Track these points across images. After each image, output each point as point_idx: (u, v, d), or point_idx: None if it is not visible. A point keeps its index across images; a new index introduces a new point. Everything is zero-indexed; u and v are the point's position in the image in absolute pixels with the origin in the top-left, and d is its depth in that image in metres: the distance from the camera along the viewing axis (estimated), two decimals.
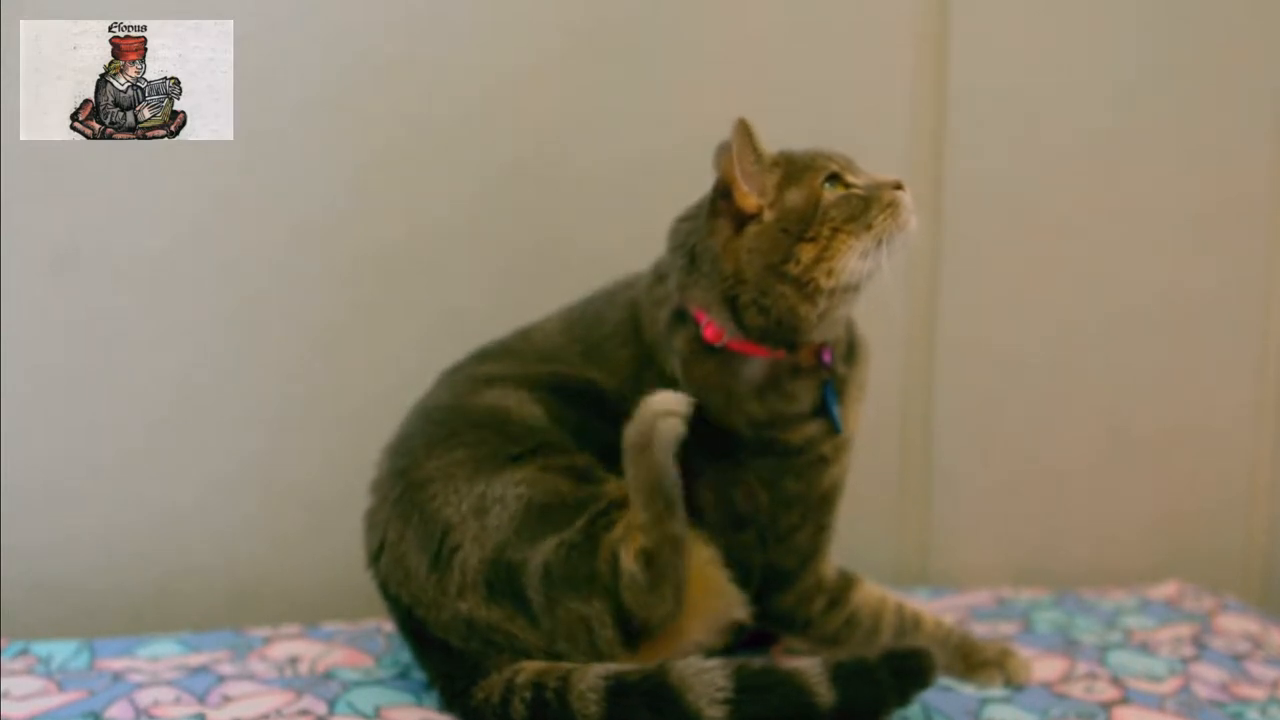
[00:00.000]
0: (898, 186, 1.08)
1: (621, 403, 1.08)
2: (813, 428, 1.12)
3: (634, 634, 1.05)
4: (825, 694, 0.98)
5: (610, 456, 1.07)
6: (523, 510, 1.05)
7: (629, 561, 1.03)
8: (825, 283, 1.05)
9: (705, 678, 0.98)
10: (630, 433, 1.04)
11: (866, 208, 1.06)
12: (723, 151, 1.11)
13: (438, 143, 1.41)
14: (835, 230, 1.05)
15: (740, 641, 1.16)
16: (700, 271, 1.08)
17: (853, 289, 1.07)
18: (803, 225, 1.05)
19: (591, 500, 1.06)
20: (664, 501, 1.03)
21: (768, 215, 1.06)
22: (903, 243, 1.07)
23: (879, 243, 1.05)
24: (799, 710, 0.98)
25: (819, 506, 1.14)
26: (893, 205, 1.06)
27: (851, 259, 1.04)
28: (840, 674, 0.99)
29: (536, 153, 1.44)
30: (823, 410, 1.12)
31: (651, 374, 1.11)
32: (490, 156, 1.43)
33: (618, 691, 0.99)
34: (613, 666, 1.01)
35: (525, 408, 1.12)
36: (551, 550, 1.03)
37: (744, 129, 1.05)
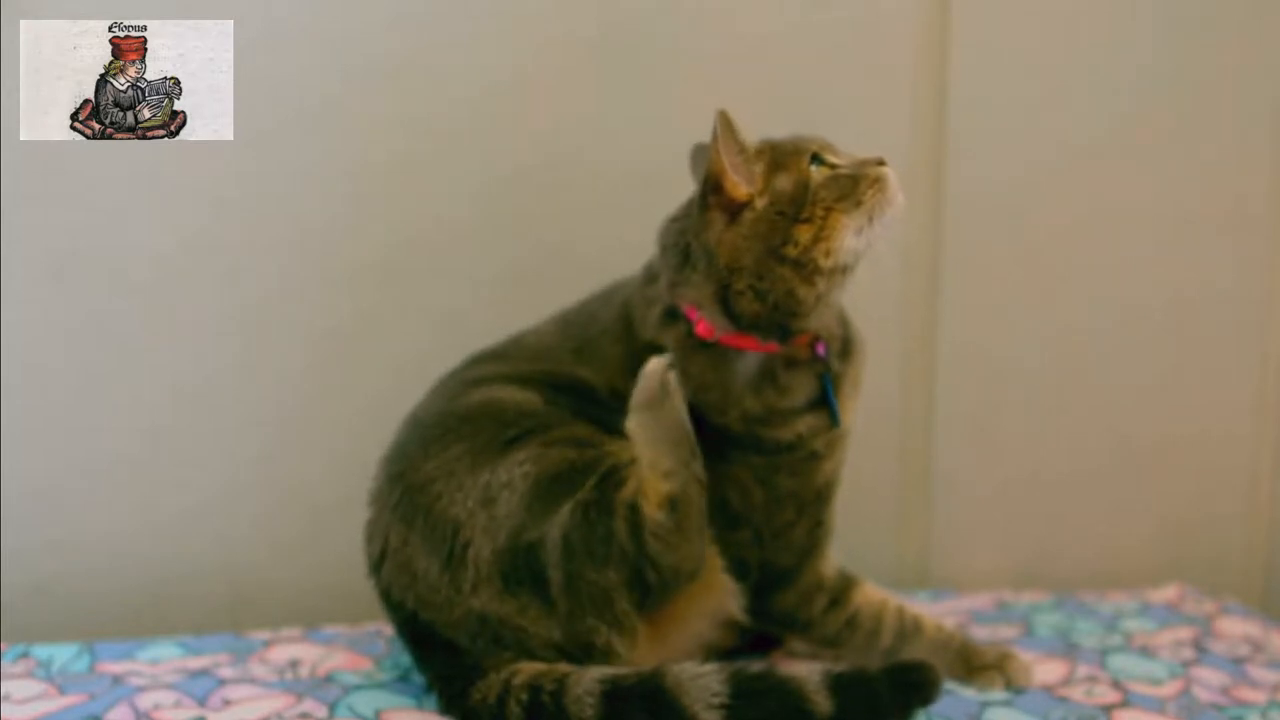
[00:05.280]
0: (880, 163, 1.09)
1: (613, 398, 1.09)
2: (806, 422, 1.12)
3: (649, 598, 1.05)
4: (822, 703, 0.97)
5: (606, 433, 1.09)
6: (531, 488, 1.05)
7: (654, 511, 1.04)
8: (824, 262, 1.06)
9: (701, 682, 0.98)
10: (640, 392, 1.07)
11: (855, 185, 1.07)
12: (698, 154, 1.13)
13: (439, 148, 1.41)
14: (828, 210, 1.06)
15: (743, 645, 1.16)
16: (694, 268, 1.09)
17: (849, 269, 1.08)
18: (796, 208, 1.06)
19: (599, 460, 1.06)
20: (687, 445, 1.06)
21: (759, 202, 1.07)
22: (893, 218, 1.08)
23: (870, 219, 1.06)
24: (795, 718, 0.97)
25: (814, 502, 1.14)
26: (879, 181, 1.07)
27: (847, 237, 1.06)
28: (839, 684, 0.98)
29: (539, 157, 1.44)
30: (816, 404, 1.12)
31: None
32: (492, 161, 1.43)
33: (614, 695, 0.98)
34: (609, 670, 1.01)
35: (517, 395, 1.12)
36: (568, 516, 1.03)
37: (725, 121, 1.06)
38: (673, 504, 1.04)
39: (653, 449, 1.06)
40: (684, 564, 1.05)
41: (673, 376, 1.07)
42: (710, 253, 1.07)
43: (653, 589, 1.05)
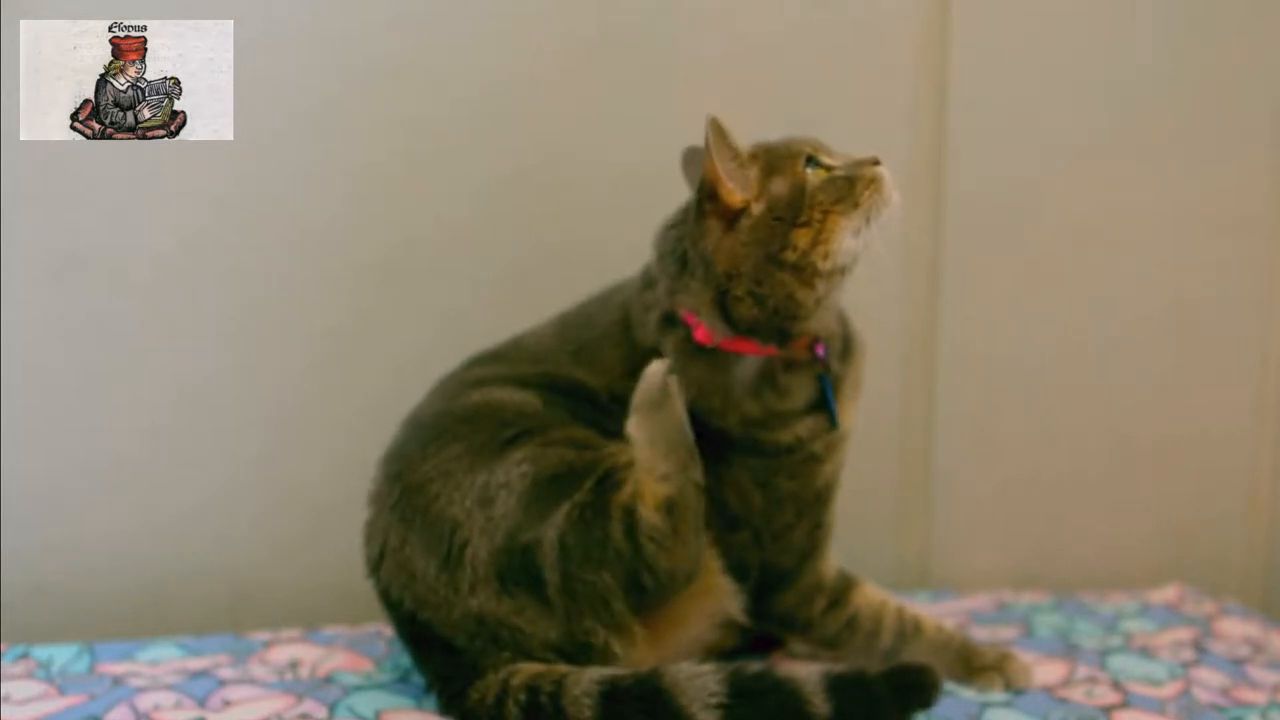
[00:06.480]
0: (875, 163, 1.09)
1: (612, 402, 1.10)
2: (806, 425, 1.12)
3: (646, 601, 1.05)
4: (820, 704, 0.97)
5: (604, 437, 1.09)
6: (530, 488, 1.04)
7: (650, 514, 1.04)
8: (823, 265, 1.06)
9: (699, 682, 0.98)
10: (641, 394, 1.07)
11: (851, 187, 1.07)
12: (690, 158, 1.13)
13: (439, 148, 1.41)
14: (826, 212, 1.06)
15: (744, 646, 1.16)
16: (692, 274, 1.09)
17: (847, 270, 1.08)
18: (794, 212, 1.06)
19: (597, 462, 1.06)
20: (686, 449, 1.06)
21: (756, 208, 1.07)
22: (889, 218, 1.08)
23: (868, 220, 1.07)
24: (793, 719, 0.97)
25: (814, 504, 1.14)
26: (875, 181, 1.08)
27: (845, 239, 1.06)
28: (838, 685, 0.98)
29: (539, 157, 1.44)
30: (816, 406, 1.12)
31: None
32: (493, 161, 1.43)
33: (612, 696, 0.98)
34: (607, 671, 1.01)
35: (516, 396, 1.12)
36: (564, 519, 1.03)
37: (717, 127, 1.05)
38: (669, 507, 1.04)
39: (651, 451, 1.06)
40: (680, 567, 1.05)
41: (674, 380, 1.07)
42: (708, 260, 1.07)
43: (650, 591, 1.04)
